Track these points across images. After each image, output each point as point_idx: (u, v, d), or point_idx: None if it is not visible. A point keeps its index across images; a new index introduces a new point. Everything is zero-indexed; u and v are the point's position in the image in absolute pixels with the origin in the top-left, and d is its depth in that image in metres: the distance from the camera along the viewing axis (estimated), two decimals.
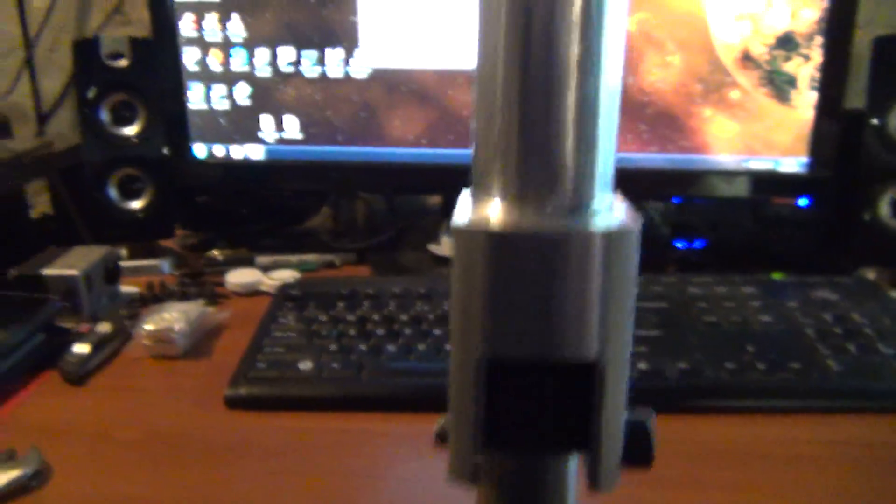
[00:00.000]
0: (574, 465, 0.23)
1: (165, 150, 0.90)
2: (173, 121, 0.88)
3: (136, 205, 0.90)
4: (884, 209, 0.79)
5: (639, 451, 0.22)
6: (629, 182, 0.83)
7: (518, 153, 0.20)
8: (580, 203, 0.20)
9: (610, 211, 0.20)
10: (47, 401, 0.65)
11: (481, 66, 0.20)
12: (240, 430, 0.61)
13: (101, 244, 0.84)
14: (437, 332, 0.68)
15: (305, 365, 0.64)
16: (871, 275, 0.82)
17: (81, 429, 0.61)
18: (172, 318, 0.72)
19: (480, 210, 0.20)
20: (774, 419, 0.60)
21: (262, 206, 1.06)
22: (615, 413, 0.21)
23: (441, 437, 0.23)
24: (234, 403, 0.63)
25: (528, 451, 0.22)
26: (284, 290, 0.78)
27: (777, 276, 0.79)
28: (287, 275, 0.86)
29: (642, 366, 0.63)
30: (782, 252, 0.89)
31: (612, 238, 0.19)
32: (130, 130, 0.88)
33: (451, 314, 0.21)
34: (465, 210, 0.20)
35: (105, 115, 0.87)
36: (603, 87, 0.20)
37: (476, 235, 0.19)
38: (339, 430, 0.60)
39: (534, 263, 0.19)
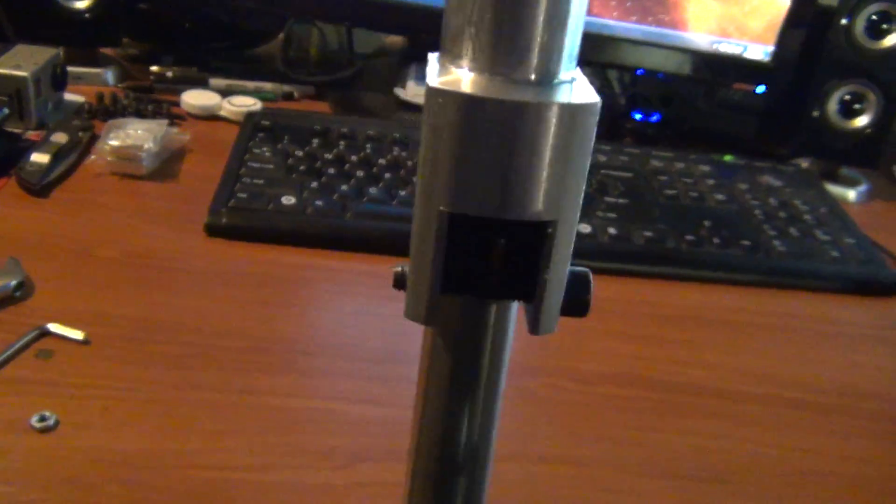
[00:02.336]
0: (515, 309, 0.26)
1: None
2: None
3: (81, 4, 0.82)
4: (832, 106, 0.84)
5: (579, 302, 0.24)
6: (602, 48, 0.83)
7: (490, 25, 0.20)
8: (545, 76, 0.21)
9: (571, 85, 0.22)
10: (12, 212, 0.62)
11: None
12: (222, 258, 0.60)
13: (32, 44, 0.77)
14: (416, 179, 0.69)
15: (289, 200, 0.64)
16: (804, 164, 0.89)
17: (56, 243, 0.59)
18: (139, 135, 0.69)
19: (451, 74, 0.21)
20: (726, 289, 0.66)
21: (210, 22, 0.99)
22: (560, 268, 0.23)
23: (398, 282, 0.24)
24: (214, 231, 0.62)
25: (479, 296, 0.24)
26: (252, 120, 0.76)
27: (728, 157, 0.84)
28: (248, 102, 0.83)
29: (612, 230, 0.67)
30: (727, 133, 0.94)
31: (571, 111, 0.21)
32: None
33: (419, 169, 0.22)
34: (436, 73, 0.21)
35: None
36: None
37: (449, 97, 0.20)
38: (327, 268, 0.61)
39: (499, 129, 0.20)
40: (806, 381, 0.56)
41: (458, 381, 0.26)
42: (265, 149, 0.71)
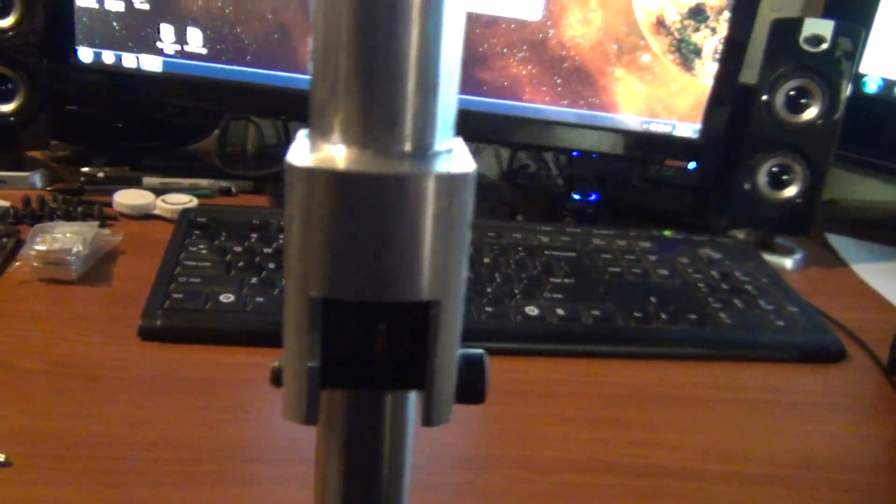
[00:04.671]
0: (413, 399, 0.24)
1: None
2: (56, 17, 0.79)
3: (6, 108, 0.80)
4: (762, 178, 0.87)
5: (472, 388, 0.23)
6: (538, 132, 0.85)
7: (357, 95, 0.19)
8: (420, 146, 0.20)
9: (449, 155, 0.21)
10: None
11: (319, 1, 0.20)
12: (157, 363, 0.57)
13: None
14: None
15: (227, 297, 0.61)
16: (740, 235, 0.90)
17: None
18: (67, 239, 0.66)
19: (321, 151, 0.20)
20: (676, 365, 0.65)
21: (142, 121, 0.98)
22: (449, 352, 0.21)
23: (276, 378, 0.22)
24: (148, 335, 0.59)
25: (363, 389, 0.23)
26: (188, 217, 0.74)
27: (667, 233, 0.85)
28: (183, 199, 0.81)
29: (560, 311, 0.66)
30: (663, 209, 0.96)
31: (448, 181, 0.20)
32: (4, 22, 0.78)
33: (285, 253, 0.21)
34: (303, 150, 0.20)
35: None
36: (445, 29, 0.20)
37: (319, 175, 0.19)
38: (268, 366, 0.58)
39: (373, 205, 0.19)
40: (767, 455, 0.55)
41: (354, 487, 0.24)
42: (201, 246, 0.69)
